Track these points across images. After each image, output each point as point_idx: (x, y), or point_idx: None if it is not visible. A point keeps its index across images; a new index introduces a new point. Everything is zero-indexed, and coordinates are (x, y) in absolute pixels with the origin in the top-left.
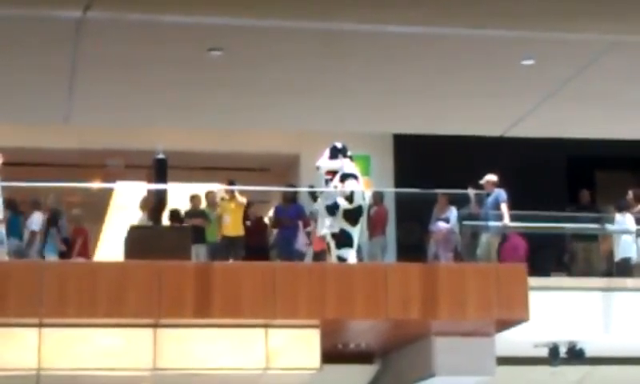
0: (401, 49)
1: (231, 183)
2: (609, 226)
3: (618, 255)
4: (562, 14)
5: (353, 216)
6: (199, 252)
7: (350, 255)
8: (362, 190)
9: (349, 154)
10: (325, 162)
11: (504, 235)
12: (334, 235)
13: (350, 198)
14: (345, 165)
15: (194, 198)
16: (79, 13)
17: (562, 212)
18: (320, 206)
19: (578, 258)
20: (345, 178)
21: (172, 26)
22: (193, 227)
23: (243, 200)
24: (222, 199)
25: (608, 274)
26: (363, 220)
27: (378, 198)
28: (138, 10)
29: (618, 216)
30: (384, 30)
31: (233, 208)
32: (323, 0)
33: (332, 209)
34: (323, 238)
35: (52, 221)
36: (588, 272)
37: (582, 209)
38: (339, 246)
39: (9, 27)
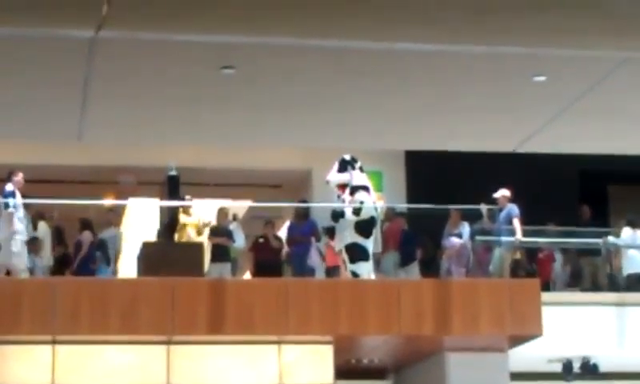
0: (412, 66)
1: (183, 199)
2: (610, 239)
3: (626, 270)
4: (573, 30)
5: (365, 228)
6: (223, 270)
7: (365, 269)
8: (374, 200)
9: (358, 164)
10: (334, 176)
11: None
12: (347, 249)
13: (358, 211)
14: (354, 177)
15: (220, 216)
16: (92, 32)
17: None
18: (340, 223)
19: (584, 274)
20: (355, 190)
21: (184, 45)
22: (217, 245)
23: (202, 220)
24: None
25: (616, 289)
26: (377, 231)
27: (390, 213)
28: (150, 29)
29: (626, 229)
30: (395, 47)
31: (192, 223)
32: (335, 18)
33: (337, 216)
34: (339, 252)
35: None
36: (594, 288)
37: (583, 225)
38: (353, 260)
39: (22, 46)
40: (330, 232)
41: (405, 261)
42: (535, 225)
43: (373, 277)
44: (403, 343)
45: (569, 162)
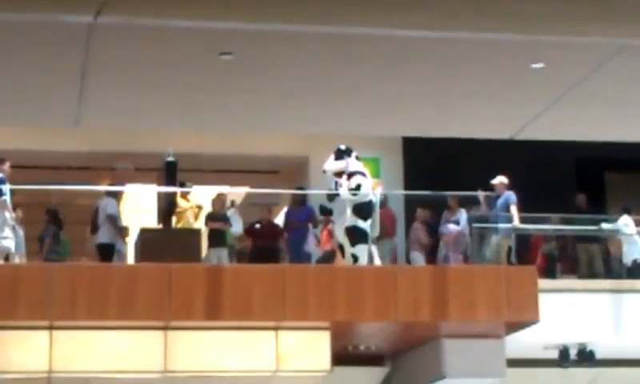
0: (410, 52)
1: (182, 185)
2: (604, 226)
3: (628, 257)
4: (571, 17)
5: (364, 210)
6: (221, 255)
7: (364, 251)
8: (370, 184)
9: (353, 154)
10: (330, 165)
11: None
12: (347, 232)
13: (354, 190)
14: (350, 164)
15: (216, 201)
16: (90, 18)
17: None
18: (335, 205)
19: (581, 261)
20: (351, 175)
21: (182, 31)
22: (214, 231)
23: (199, 203)
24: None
25: (617, 276)
26: (376, 215)
27: (384, 200)
28: (148, 14)
29: (624, 217)
30: (394, 33)
31: (190, 208)
32: (333, 4)
33: (332, 196)
34: (338, 237)
35: None
36: (590, 275)
37: (580, 212)
38: (353, 243)
39: (20, 31)
40: (325, 211)
41: None
42: (532, 212)
43: (377, 260)
44: (400, 329)
45: (566, 149)
